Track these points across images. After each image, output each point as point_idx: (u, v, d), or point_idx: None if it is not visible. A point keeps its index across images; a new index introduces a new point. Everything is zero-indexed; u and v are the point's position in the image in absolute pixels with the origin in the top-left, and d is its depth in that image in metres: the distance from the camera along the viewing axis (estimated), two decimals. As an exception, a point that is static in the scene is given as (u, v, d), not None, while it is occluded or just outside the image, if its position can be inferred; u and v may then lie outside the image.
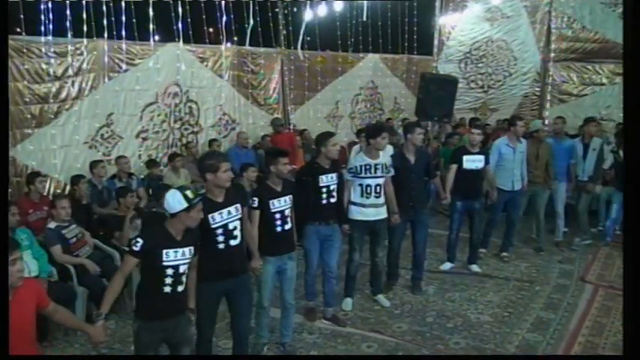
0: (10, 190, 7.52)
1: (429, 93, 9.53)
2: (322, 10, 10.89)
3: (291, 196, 5.21)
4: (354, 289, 6.53)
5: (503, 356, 5.42)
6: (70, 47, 8.14)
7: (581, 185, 8.54)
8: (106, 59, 8.55)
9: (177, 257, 3.94)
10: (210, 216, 4.34)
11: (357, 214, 6.14)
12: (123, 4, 8.64)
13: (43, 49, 7.89)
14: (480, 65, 14.45)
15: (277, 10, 11.33)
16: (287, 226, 5.19)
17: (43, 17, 7.85)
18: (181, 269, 3.99)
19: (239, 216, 4.53)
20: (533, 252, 8.28)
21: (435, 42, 14.68)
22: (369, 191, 6.10)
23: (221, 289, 4.55)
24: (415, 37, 13.81)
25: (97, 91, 8.48)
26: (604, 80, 12.86)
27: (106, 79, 8.59)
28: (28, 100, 7.81)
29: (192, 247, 4.04)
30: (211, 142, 9.79)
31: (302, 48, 11.74)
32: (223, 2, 10.13)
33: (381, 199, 6.19)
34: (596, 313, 6.22)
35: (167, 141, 9.58)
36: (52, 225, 6.05)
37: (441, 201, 7.45)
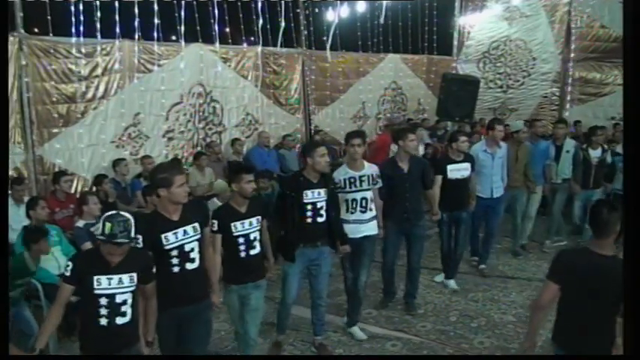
0: (36, 188, 7.71)
1: (450, 93, 9.58)
2: (344, 11, 10.92)
3: (259, 217, 4.70)
4: (360, 304, 5.95)
5: (524, 356, 5.46)
6: (97, 48, 8.27)
7: (555, 187, 8.42)
8: (133, 60, 8.66)
9: (112, 285, 3.53)
10: (163, 236, 3.91)
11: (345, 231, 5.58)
12: (155, 5, 8.73)
13: (73, 50, 8.02)
14: (499, 65, 14.44)
15: (299, 10, 11.37)
16: (253, 252, 4.67)
17: (73, 19, 7.96)
18: (118, 299, 3.56)
19: (197, 237, 4.07)
20: (554, 253, 8.22)
21: (455, 42, 14.72)
22: (354, 206, 5.62)
23: (177, 318, 4.07)
24: (435, 37, 13.86)
25: (123, 91, 8.58)
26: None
27: (133, 80, 8.69)
28: (55, 99, 7.93)
29: (133, 274, 3.60)
30: (234, 141, 9.87)
31: (324, 49, 11.78)
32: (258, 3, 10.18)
33: (367, 214, 5.69)
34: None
35: (192, 141, 9.67)
36: (80, 223, 6.12)
37: (431, 216, 6.75)
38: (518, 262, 7.97)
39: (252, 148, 10.15)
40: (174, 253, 3.96)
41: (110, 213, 3.52)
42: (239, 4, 10.09)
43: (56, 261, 5.77)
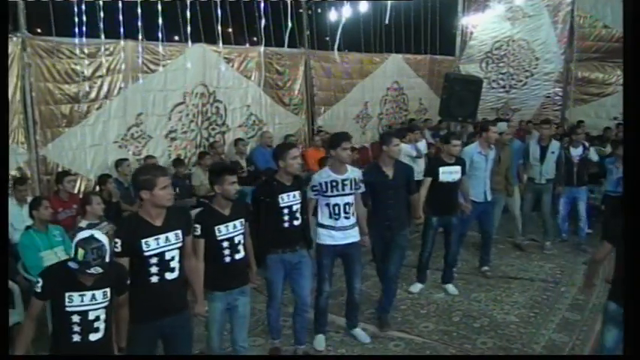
0: (39, 188, 7.72)
1: (453, 93, 9.56)
2: (347, 11, 10.92)
3: (242, 220, 4.53)
4: (325, 324, 5.70)
5: (526, 356, 5.47)
6: (101, 48, 8.27)
7: (540, 188, 8.38)
8: (136, 60, 8.66)
9: (85, 302, 3.37)
10: (144, 241, 3.72)
11: (326, 238, 5.37)
12: (159, 5, 8.72)
13: (77, 50, 8.02)
14: (501, 65, 14.44)
15: (302, 10, 11.38)
16: (238, 256, 4.48)
17: (76, 19, 7.96)
18: (91, 315, 3.40)
19: (179, 245, 3.88)
20: (557, 253, 8.29)
21: (458, 42, 14.72)
22: (337, 211, 5.31)
23: (155, 330, 3.90)
24: (438, 37, 13.87)
25: (126, 92, 8.59)
26: (627, 80, 12.75)
27: (135, 80, 8.70)
28: (58, 99, 7.93)
29: (107, 289, 3.45)
30: (237, 141, 9.89)
31: (327, 49, 11.79)
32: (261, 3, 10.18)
33: (352, 220, 5.41)
34: (622, 314, 6.22)
35: (195, 141, 9.69)
36: (83, 224, 6.10)
37: (414, 220, 6.52)
38: (521, 263, 7.98)
39: (255, 148, 10.19)
40: (154, 260, 3.76)
41: (84, 236, 3.33)
42: (242, 4, 10.09)
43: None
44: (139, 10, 8.55)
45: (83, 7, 7.97)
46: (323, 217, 5.37)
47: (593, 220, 9.15)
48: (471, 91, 9.72)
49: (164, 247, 3.79)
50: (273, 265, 5.03)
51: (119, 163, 8.18)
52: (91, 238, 3.31)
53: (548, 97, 14.03)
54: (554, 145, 8.32)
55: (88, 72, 8.17)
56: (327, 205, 5.32)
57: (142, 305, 3.76)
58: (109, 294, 3.45)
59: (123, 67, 8.53)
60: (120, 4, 8.34)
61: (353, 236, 5.43)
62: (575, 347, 5.57)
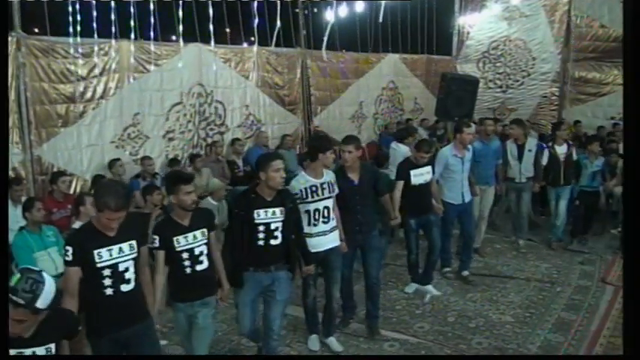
0: (34, 188, 7.69)
1: (449, 93, 9.57)
2: (342, 11, 10.91)
3: (204, 230, 4.34)
4: (317, 324, 5.63)
5: (522, 356, 5.46)
6: (95, 48, 8.24)
7: (520, 187, 8.32)
8: (131, 60, 8.64)
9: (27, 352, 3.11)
10: (96, 252, 3.58)
11: None
12: (151, 5, 8.69)
13: (71, 50, 8.00)
14: (498, 65, 14.42)
15: (297, 10, 11.37)
16: (199, 267, 4.31)
17: (70, 18, 7.93)
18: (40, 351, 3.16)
19: (133, 255, 3.74)
20: (553, 253, 8.28)
21: (454, 42, 14.71)
22: (316, 217, 5.11)
23: (115, 343, 3.75)
24: (434, 36, 13.86)
25: (122, 91, 8.56)
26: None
27: (131, 79, 8.68)
28: (54, 99, 7.91)
29: (50, 346, 3.20)
30: (234, 141, 9.87)
31: (322, 48, 11.77)
32: (254, 2, 10.16)
33: (330, 224, 5.21)
34: (617, 314, 6.20)
35: (192, 141, 9.67)
36: (76, 225, 6.10)
37: (389, 221, 6.43)
38: (517, 263, 7.96)
39: (251, 148, 10.16)
40: (107, 272, 3.62)
41: (30, 267, 3.23)
42: (239, 3, 10.08)
43: (53, 262, 5.74)
44: (132, 10, 8.55)
45: (77, 6, 7.95)
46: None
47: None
48: (467, 90, 9.73)
49: (117, 258, 3.65)
50: (246, 281, 4.65)
51: (112, 163, 8.15)
52: (35, 271, 3.09)
53: (545, 96, 14.02)
54: (531, 143, 8.28)
55: (83, 72, 8.15)
56: (307, 212, 5.06)
57: (98, 318, 3.66)
58: (53, 350, 3.20)
59: (118, 66, 8.50)
60: (112, 4, 8.32)
61: (332, 240, 5.24)
62: (570, 347, 5.56)
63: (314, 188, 5.05)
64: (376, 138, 13.02)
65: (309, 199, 5.04)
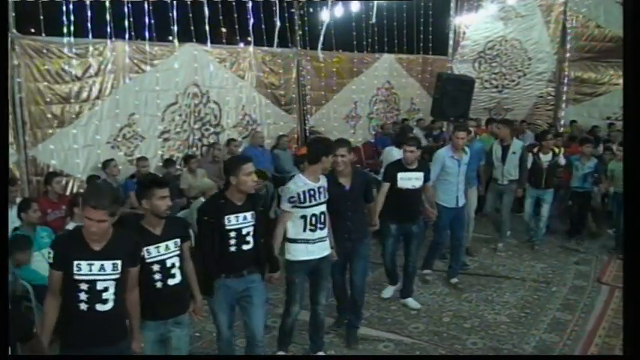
0: (29, 189, 7.67)
1: (445, 93, 9.54)
2: (338, 11, 10.90)
3: (177, 240, 4.01)
4: (289, 344, 5.33)
5: (517, 356, 5.46)
6: (90, 48, 8.23)
7: (502, 189, 8.28)
8: (126, 60, 8.62)
9: None
10: (75, 263, 3.41)
11: (301, 254, 4.93)
12: (145, 5, 8.69)
13: (65, 50, 7.97)
14: (494, 65, 14.43)
15: (293, 10, 11.37)
16: (172, 281, 3.97)
17: (64, 18, 7.92)
18: None
19: (115, 276, 3.50)
20: (548, 253, 8.30)
21: (450, 42, 14.70)
22: (313, 222, 4.90)
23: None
24: (430, 37, 13.84)
25: (117, 92, 8.55)
26: (619, 80, 12.74)
27: (126, 80, 8.66)
28: (49, 100, 7.88)
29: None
30: (229, 141, 9.86)
31: (318, 48, 11.77)
32: (249, 3, 10.15)
33: (326, 231, 5.05)
34: (613, 314, 6.22)
35: (187, 141, 9.66)
36: (70, 226, 6.07)
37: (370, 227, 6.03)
38: (513, 263, 7.97)
39: (246, 148, 10.15)
40: (84, 287, 3.42)
41: None
42: (234, 4, 10.06)
43: (47, 263, 5.73)
44: (126, 9, 8.54)
45: (72, 6, 7.93)
46: (297, 231, 4.91)
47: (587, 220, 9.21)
48: (463, 90, 9.69)
49: (97, 275, 3.44)
50: (216, 292, 4.39)
51: (106, 164, 8.12)
52: None
53: (541, 97, 14.03)
54: (516, 145, 8.22)
55: (78, 72, 8.13)
56: (304, 217, 4.87)
57: (67, 331, 3.52)
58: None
59: (114, 67, 8.49)
60: (107, 4, 8.33)
61: (326, 248, 5.07)
62: (565, 347, 5.55)
63: (312, 192, 4.86)
64: (372, 138, 13.01)
65: (307, 203, 4.84)
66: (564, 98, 13.73)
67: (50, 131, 7.95)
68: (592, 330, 5.89)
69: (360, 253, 5.51)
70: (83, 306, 3.43)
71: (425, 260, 7.22)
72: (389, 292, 6.78)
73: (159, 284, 3.93)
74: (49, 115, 7.92)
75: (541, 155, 8.42)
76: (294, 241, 4.92)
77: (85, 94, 8.24)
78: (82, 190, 7.83)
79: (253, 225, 4.41)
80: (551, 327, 5.97)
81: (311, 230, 4.92)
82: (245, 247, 4.40)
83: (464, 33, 14.65)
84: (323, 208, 4.96)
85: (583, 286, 7.07)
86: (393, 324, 6.09)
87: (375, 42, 12.83)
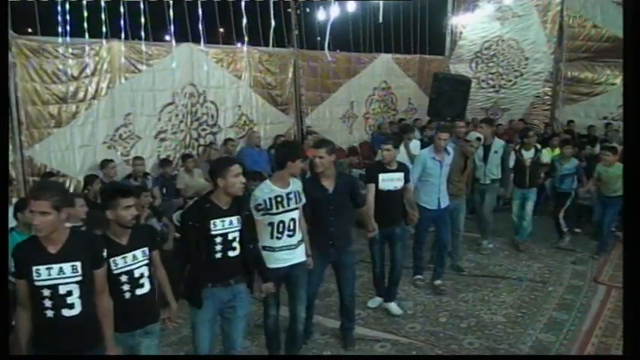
0: (25, 189, 7.63)
1: (442, 93, 9.57)
2: (335, 11, 10.91)
3: (145, 249, 3.87)
4: (279, 348, 5.19)
5: (516, 356, 5.46)
6: (86, 48, 8.20)
7: (484, 188, 8.27)
8: (122, 60, 8.60)
9: None
10: (34, 269, 3.26)
11: (268, 261, 4.70)
12: (140, 5, 8.66)
13: (61, 50, 7.94)
14: (491, 65, 14.47)
15: (290, 10, 11.36)
16: (140, 291, 3.84)
17: (59, 18, 7.90)
18: None
19: (76, 279, 3.35)
20: (545, 253, 8.31)
21: (447, 42, 14.73)
22: (281, 229, 4.72)
23: None
24: (427, 36, 13.88)
25: (113, 91, 8.53)
26: (616, 80, 12.78)
27: (122, 80, 8.64)
28: (45, 100, 7.86)
29: None
30: (226, 141, 9.85)
31: (316, 48, 11.76)
32: (241, 2, 10.12)
33: (296, 238, 4.83)
34: (609, 314, 6.24)
35: (184, 141, 9.64)
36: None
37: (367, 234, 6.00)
38: (509, 263, 7.98)
39: (243, 148, 10.15)
40: (46, 293, 3.29)
41: None
42: (231, 3, 10.06)
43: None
44: (124, 10, 8.52)
45: (67, 6, 7.91)
46: (264, 238, 4.73)
47: (583, 219, 9.22)
48: (459, 90, 9.73)
49: (57, 279, 3.31)
50: (204, 299, 4.21)
51: (104, 163, 8.11)
52: None
53: (538, 96, 14.07)
54: (498, 145, 8.21)
55: (74, 72, 8.10)
56: (271, 224, 4.69)
57: (37, 340, 3.40)
58: None
59: (110, 66, 8.47)
60: (102, 3, 8.30)
61: (299, 256, 4.87)
62: (562, 347, 5.56)
63: (279, 199, 4.67)
64: (369, 138, 13.01)
65: (274, 210, 4.65)
66: (561, 98, 13.76)
67: (47, 131, 7.92)
68: (588, 330, 5.89)
69: (345, 262, 5.35)
70: (49, 313, 3.32)
71: (414, 266, 7.11)
72: (375, 302, 6.54)
73: (127, 295, 3.80)
74: (46, 115, 7.89)
75: (523, 152, 8.43)
76: (262, 248, 4.71)
77: (81, 94, 8.22)
78: (78, 191, 7.85)
79: (239, 230, 4.25)
80: (548, 327, 5.97)
81: (277, 238, 4.73)
82: (231, 253, 4.23)
83: (461, 33, 14.69)
84: (293, 214, 4.76)
85: (579, 286, 7.08)
86: (390, 324, 6.08)
87: (371, 42, 12.84)
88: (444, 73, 12.35)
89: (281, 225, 4.71)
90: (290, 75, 11.48)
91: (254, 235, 4.58)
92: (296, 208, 4.78)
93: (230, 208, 4.20)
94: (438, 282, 7.02)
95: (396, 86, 13.79)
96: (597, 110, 13.09)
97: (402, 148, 8.17)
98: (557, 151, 9.01)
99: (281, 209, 4.67)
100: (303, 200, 4.88)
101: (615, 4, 12.56)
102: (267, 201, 4.62)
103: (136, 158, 8.48)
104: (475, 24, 14.49)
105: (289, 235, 4.77)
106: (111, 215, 3.72)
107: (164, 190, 8.42)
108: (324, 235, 5.14)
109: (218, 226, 4.14)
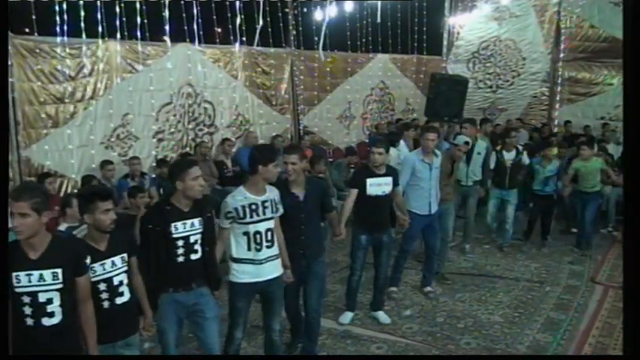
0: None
1: (439, 93, 9.57)
2: (332, 11, 10.90)
3: (124, 255, 3.74)
4: None
5: (513, 356, 5.45)
6: (83, 48, 8.20)
7: (467, 190, 8.22)
8: (119, 60, 8.59)
9: None
10: (14, 275, 3.16)
11: (243, 275, 4.42)
12: (137, 4, 8.66)
13: (58, 49, 7.94)
14: (488, 65, 14.44)
15: (287, 10, 11.36)
16: (119, 300, 3.70)
17: (56, 18, 7.89)
18: None
19: (57, 286, 3.24)
20: (542, 253, 8.34)
21: (445, 42, 14.72)
22: (259, 240, 4.39)
23: None
24: (425, 37, 13.86)
25: (111, 92, 8.53)
26: (613, 80, 12.79)
27: (120, 80, 8.64)
28: (43, 100, 7.85)
29: None
30: (224, 141, 9.83)
31: (313, 48, 11.75)
32: (236, 2, 10.12)
33: (274, 249, 4.52)
34: (607, 314, 6.25)
35: (182, 141, 9.64)
36: (62, 227, 6.03)
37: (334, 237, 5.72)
38: (507, 263, 8.00)
39: (240, 148, 10.13)
40: (26, 300, 3.19)
41: None
42: (227, 4, 10.05)
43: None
44: (117, 9, 8.54)
45: (65, 6, 7.90)
46: (239, 250, 4.43)
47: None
48: (456, 91, 9.72)
49: (37, 286, 3.20)
50: (163, 307, 4.06)
51: (103, 164, 8.11)
52: None
53: (535, 96, 14.06)
54: (480, 145, 8.19)
55: (72, 72, 8.10)
56: (246, 233, 4.38)
57: (19, 349, 3.26)
58: None
59: (107, 66, 8.47)
60: (98, 3, 8.32)
61: (276, 269, 4.56)
62: (559, 347, 5.55)
63: (253, 207, 4.37)
64: (366, 138, 13.00)
65: (247, 219, 4.35)
66: (558, 98, 13.76)
67: (45, 131, 7.92)
68: (586, 330, 5.89)
69: (315, 272, 5.06)
70: (29, 321, 3.22)
71: (391, 277, 6.72)
72: (346, 318, 6.15)
73: (106, 304, 3.66)
74: (44, 115, 7.90)
75: (504, 153, 8.38)
76: (236, 260, 4.45)
77: (79, 94, 8.22)
78: (75, 191, 7.84)
79: (201, 232, 4.08)
80: (545, 327, 5.98)
81: (257, 249, 4.42)
82: (193, 256, 4.07)
83: (458, 33, 14.68)
84: (269, 224, 4.46)
85: (577, 286, 7.09)
86: (387, 324, 6.07)
87: (369, 42, 12.83)
88: (441, 73, 12.33)
89: (258, 235, 4.41)
90: (287, 75, 11.48)
91: (214, 237, 4.32)
92: (271, 218, 4.49)
93: (191, 211, 4.05)
94: (428, 289, 6.90)
95: (394, 86, 13.77)
96: (595, 110, 13.08)
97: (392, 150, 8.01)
98: (555, 151, 8.95)
99: (255, 218, 4.37)
100: (281, 210, 4.61)
101: (612, 5, 12.57)
102: (240, 209, 4.33)
103: (133, 158, 8.46)
104: (472, 24, 14.47)
105: (268, 246, 4.47)
106: (89, 219, 3.61)
107: (161, 191, 8.38)
108: (296, 244, 4.86)
109: (179, 228, 4.00)
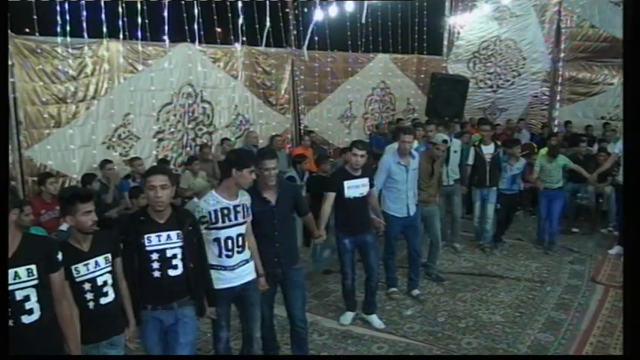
0: (24, 190, 7.64)
1: (439, 93, 9.61)
2: (333, 10, 10.90)
3: (108, 255, 3.66)
4: None
5: (514, 356, 5.46)
6: (85, 48, 8.19)
7: (449, 190, 8.25)
8: (120, 60, 8.58)
9: None
10: None
11: (217, 281, 4.26)
12: (138, 4, 8.66)
13: (60, 49, 7.92)
14: (489, 65, 14.43)
15: (288, 10, 11.36)
16: (104, 300, 3.63)
17: (58, 18, 7.88)
18: None
19: (32, 282, 3.18)
20: (543, 252, 8.36)
21: (445, 42, 14.71)
22: (230, 246, 4.29)
23: None
24: (425, 37, 13.85)
25: (112, 92, 8.52)
26: (613, 80, 12.79)
27: (121, 80, 8.63)
28: (45, 100, 7.83)
29: None
30: (223, 141, 9.87)
31: (310, 48, 11.73)
32: (237, 2, 10.12)
33: (246, 253, 4.42)
34: (607, 313, 6.25)
35: (182, 141, 9.63)
36: (64, 227, 6.03)
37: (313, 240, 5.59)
38: (507, 262, 8.01)
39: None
40: (10, 298, 3.13)
41: None
42: (228, 3, 10.05)
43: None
44: (122, 10, 8.53)
45: (66, 6, 7.90)
46: (210, 257, 4.25)
47: (581, 219, 9.24)
48: (457, 90, 9.77)
49: (13, 284, 3.12)
50: (144, 325, 3.90)
51: (103, 164, 8.10)
52: None
53: (536, 96, 14.05)
54: (456, 144, 8.23)
55: (74, 72, 8.08)
56: (217, 240, 4.26)
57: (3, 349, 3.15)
58: None
59: (109, 66, 8.46)
60: (102, 3, 8.31)
61: (249, 273, 4.45)
62: (560, 347, 5.56)
63: (226, 211, 4.26)
64: (367, 138, 13.01)
65: (220, 223, 4.23)
66: (559, 98, 13.76)
67: (47, 131, 7.89)
68: (587, 329, 5.90)
69: (293, 280, 4.89)
70: (10, 321, 3.14)
71: (387, 278, 6.84)
72: (347, 318, 6.17)
73: (91, 304, 3.60)
74: (46, 115, 7.86)
75: (482, 147, 8.37)
76: (210, 267, 4.26)
77: (80, 94, 8.19)
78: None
79: (180, 246, 3.86)
80: (546, 326, 5.99)
81: (227, 255, 4.30)
82: (172, 272, 3.85)
83: (458, 33, 14.67)
84: (241, 229, 4.35)
85: (577, 286, 7.09)
86: (388, 324, 6.08)
87: (369, 42, 12.81)
88: (441, 73, 12.39)
89: (229, 241, 4.29)
90: (287, 75, 11.48)
91: (203, 252, 4.15)
92: (243, 223, 4.37)
93: (168, 222, 3.86)
94: (415, 292, 6.82)
95: (394, 86, 13.74)
96: (595, 110, 13.09)
97: None
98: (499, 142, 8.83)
99: (227, 223, 4.26)
100: (251, 215, 4.50)
101: (613, 4, 12.57)
102: (212, 213, 4.22)
103: (135, 159, 8.46)
104: (473, 24, 14.46)
105: (239, 252, 4.36)
106: (70, 221, 3.54)
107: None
108: (270, 252, 4.71)
109: (153, 241, 3.80)
